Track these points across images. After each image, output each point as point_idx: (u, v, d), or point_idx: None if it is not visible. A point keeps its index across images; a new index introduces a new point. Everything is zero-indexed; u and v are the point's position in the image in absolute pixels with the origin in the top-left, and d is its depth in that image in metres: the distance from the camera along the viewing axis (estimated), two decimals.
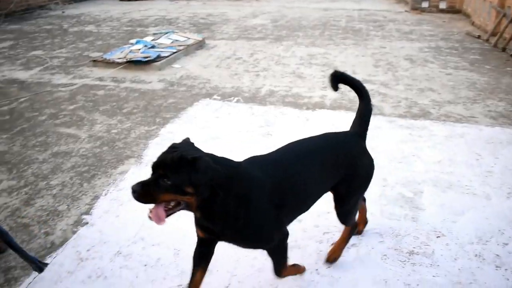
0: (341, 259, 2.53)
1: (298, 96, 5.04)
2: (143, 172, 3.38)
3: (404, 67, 6.15)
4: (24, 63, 6.98)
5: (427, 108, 4.66)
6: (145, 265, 2.51)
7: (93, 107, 4.87)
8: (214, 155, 1.84)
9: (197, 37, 7.63)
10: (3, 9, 12.30)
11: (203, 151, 1.84)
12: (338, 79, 2.34)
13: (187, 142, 1.89)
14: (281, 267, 2.19)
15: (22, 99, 5.24)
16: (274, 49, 7.28)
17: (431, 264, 2.50)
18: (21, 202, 3.14)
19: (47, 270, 2.50)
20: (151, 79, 5.81)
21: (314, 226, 2.79)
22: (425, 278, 2.40)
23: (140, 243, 2.69)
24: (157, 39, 7.33)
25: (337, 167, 2.20)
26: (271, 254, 2.12)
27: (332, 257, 2.52)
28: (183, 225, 2.27)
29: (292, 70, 6.07)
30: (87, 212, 3.01)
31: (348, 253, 2.58)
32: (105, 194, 3.20)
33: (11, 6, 12.46)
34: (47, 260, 2.58)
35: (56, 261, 2.57)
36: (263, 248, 2.09)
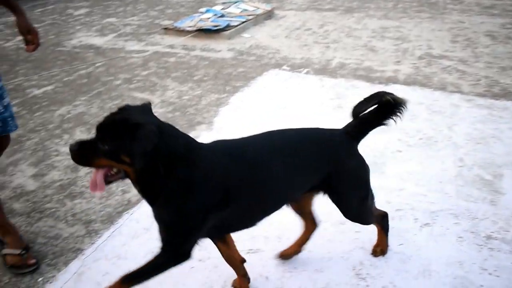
0: (414, 237, 2.46)
1: (370, 70, 4.88)
2: (213, 138, 3.44)
3: (484, 43, 5.77)
4: (99, 29, 7.24)
5: (509, 88, 4.36)
6: None
7: (165, 74, 4.98)
8: (171, 127, 1.66)
9: (266, 7, 7.54)
10: None
11: (156, 119, 1.64)
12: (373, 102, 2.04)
13: (144, 106, 1.68)
14: (128, 276, 1.73)
15: (98, 64, 5.46)
16: (344, 20, 7.07)
17: (510, 251, 2.37)
18: None
19: (123, 225, 2.63)
20: (221, 48, 5.84)
21: (386, 202, 2.72)
22: (504, 264, 2.29)
23: None
24: (226, 8, 7.33)
25: (314, 167, 1.93)
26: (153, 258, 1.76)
27: (379, 251, 2.37)
28: None
29: (364, 43, 5.88)
30: None
31: (421, 232, 2.51)
32: None
33: None
34: (124, 217, 2.72)
35: (133, 218, 2.70)
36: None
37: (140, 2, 9.42)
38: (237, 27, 6.45)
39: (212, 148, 1.77)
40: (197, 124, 3.72)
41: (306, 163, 1.90)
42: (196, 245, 1.78)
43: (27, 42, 2.48)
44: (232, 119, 3.77)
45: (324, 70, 4.92)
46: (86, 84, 4.80)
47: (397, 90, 4.29)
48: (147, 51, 5.86)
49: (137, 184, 1.63)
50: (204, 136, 3.52)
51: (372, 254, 2.39)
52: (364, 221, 2.23)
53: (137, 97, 4.36)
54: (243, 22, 6.65)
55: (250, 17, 6.91)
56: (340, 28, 6.61)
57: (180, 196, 1.65)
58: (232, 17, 6.88)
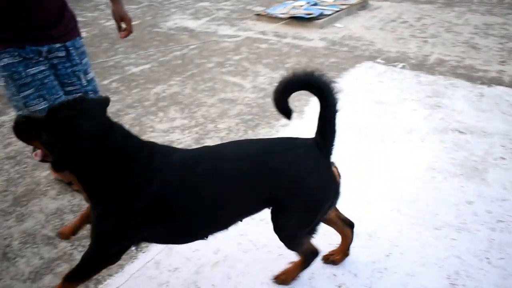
0: None
1: (471, 68, 4.57)
2: (304, 126, 3.41)
3: None
4: (193, 13, 7.44)
5: None
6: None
7: (257, 59, 5.01)
8: (120, 131, 1.59)
9: None
10: None
11: (105, 121, 1.57)
12: (291, 87, 1.69)
13: (99, 99, 1.65)
14: (67, 275, 1.73)
15: (192, 46, 5.60)
16: (444, 14, 6.68)
17: None
18: (192, 140, 3.39)
19: None
20: (313, 37, 5.76)
21: (486, 212, 2.55)
22: None
23: None
24: None
25: (268, 181, 1.70)
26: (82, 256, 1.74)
27: (281, 279, 2.10)
28: None
29: (465, 39, 5.52)
30: None
31: None
32: None
33: None
34: None
35: None
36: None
37: None
38: (330, 16, 6.32)
39: (158, 152, 1.67)
40: None
41: (259, 178, 1.70)
42: (127, 249, 1.72)
43: (120, 28, 2.60)
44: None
45: (421, 65, 4.68)
46: (180, 65, 4.95)
47: (501, 92, 4.00)
48: (239, 36, 5.93)
49: (74, 178, 1.60)
50: (295, 124, 3.49)
51: (275, 279, 2.11)
52: (290, 246, 1.93)
53: (229, 81, 4.42)
54: (337, 12, 6.50)
55: (344, 7, 6.74)
56: (439, 22, 6.26)
57: (110, 201, 1.60)
58: (325, 5, 6.76)
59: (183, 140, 3.40)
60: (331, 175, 1.77)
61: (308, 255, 1.99)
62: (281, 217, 1.79)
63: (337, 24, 6.25)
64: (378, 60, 4.85)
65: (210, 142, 3.35)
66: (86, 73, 2.51)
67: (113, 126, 1.58)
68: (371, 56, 4.98)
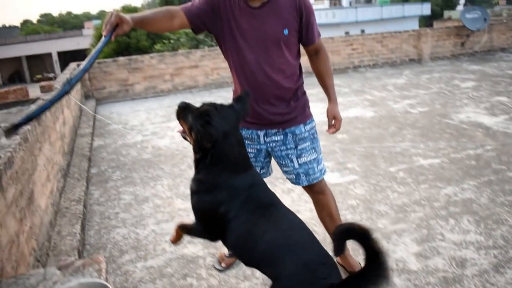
0: None
1: None
2: None
3: None
4: (489, 107, 6.87)
5: None
6: None
7: None
8: (235, 140, 2.00)
9: None
10: (468, 48, 12.72)
11: (232, 123, 2.00)
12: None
13: (238, 111, 2.06)
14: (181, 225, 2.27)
15: (488, 147, 5.09)
16: None
17: None
18: (489, 265, 2.94)
19: None
20: None
21: None
22: None
23: None
24: None
25: None
26: None
27: None
28: None
29: None
30: None
31: None
32: None
33: (476, 46, 12.74)
34: None
35: None
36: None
37: None
38: None
39: (241, 182, 1.99)
40: None
41: None
42: (213, 230, 2.05)
43: (330, 126, 2.65)
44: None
45: None
46: (474, 167, 4.52)
47: None
48: None
49: (194, 152, 2.04)
50: None
51: None
52: None
53: None
54: None
55: None
56: None
57: (204, 182, 2.02)
58: None
59: (478, 261, 2.97)
60: None
61: None
62: None
63: None
64: None
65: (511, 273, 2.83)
66: (300, 156, 2.59)
67: (235, 132, 2.02)
68: None
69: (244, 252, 1.95)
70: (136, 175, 4.78)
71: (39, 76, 37.66)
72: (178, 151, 5.23)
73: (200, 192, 2.03)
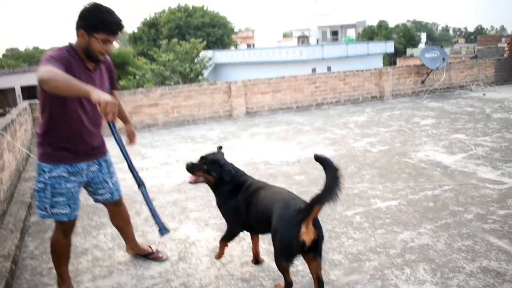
0: None
1: None
2: None
3: None
4: (447, 145, 6.88)
5: None
6: None
7: None
8: (234, 167, 3.29)
9: None
10: (428, 86, 13.00)
11: (226, 161, 3.28)
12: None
13: (222, 154, 3.37)
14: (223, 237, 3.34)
15: (446, 187, 5.01)
16: None
17: None
18: None
19: None
20: None
21: None
22: None
23: None
24: None
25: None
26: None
27: None
28: None
29: None
30: None
31: None
32: None
33: (435, 84, 13.03)
34: None
35: None
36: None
37: (492, 120, 8.69)
38: None
39: (249, 183, 3.23)
40: None
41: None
42: (240, 227, 3.22)
43: (130, 141, 3.53)
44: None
45: None
46: (432, 209, 4.40)
47: None
48: (504, 183, 5.07)
49: (211, 184, 3.28)
50: None
51: None
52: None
53: (494, 244, 3.63)
54: None
55: None
56: None
57: (224, 195, 3.24)
58: None
59: None
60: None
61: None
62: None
63: None
64: None
65: None
66: (112, 177, 3.31)
67: (232, 165, 3.27)
68: None
69: (259, 221, 2.98)
70: (79, 223, 4.44)
71: (0, 111, 36.60)
72: (128, 196, 4.93)
73: (226, 200, 3.20)
